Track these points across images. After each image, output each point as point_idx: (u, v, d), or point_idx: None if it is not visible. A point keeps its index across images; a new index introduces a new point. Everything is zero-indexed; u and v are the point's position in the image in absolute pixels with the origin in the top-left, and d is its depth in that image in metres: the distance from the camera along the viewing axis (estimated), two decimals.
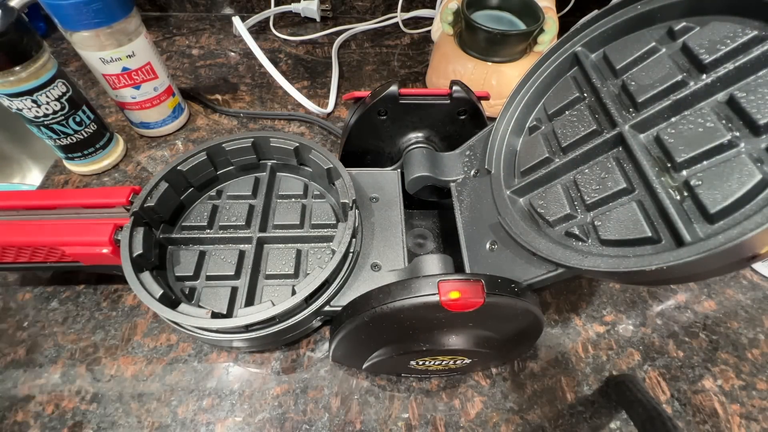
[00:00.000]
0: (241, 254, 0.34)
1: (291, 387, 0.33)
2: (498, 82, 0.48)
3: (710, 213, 0.18)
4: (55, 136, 0.41)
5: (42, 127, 0.40)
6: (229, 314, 0.31)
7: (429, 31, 0.65)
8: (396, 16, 0.66)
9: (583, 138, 0.25)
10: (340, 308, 0.28)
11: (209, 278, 0.33)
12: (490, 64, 0.48)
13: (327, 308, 0.30)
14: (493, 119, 0.32)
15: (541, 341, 0.35)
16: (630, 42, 0.25)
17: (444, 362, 0.28)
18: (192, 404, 0.31)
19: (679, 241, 0.19)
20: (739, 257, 0.17)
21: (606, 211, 0.23)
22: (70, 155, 0.43)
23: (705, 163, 0.20)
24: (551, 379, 0.33)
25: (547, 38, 0.47)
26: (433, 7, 0.68)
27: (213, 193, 0.38)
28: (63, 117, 0.40)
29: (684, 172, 0.20)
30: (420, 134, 0.38)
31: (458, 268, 0.30)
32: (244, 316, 0.27)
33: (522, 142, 0.30)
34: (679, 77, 0.22)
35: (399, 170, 0.38)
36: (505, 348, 0.28)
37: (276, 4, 0.67)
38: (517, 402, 0.32)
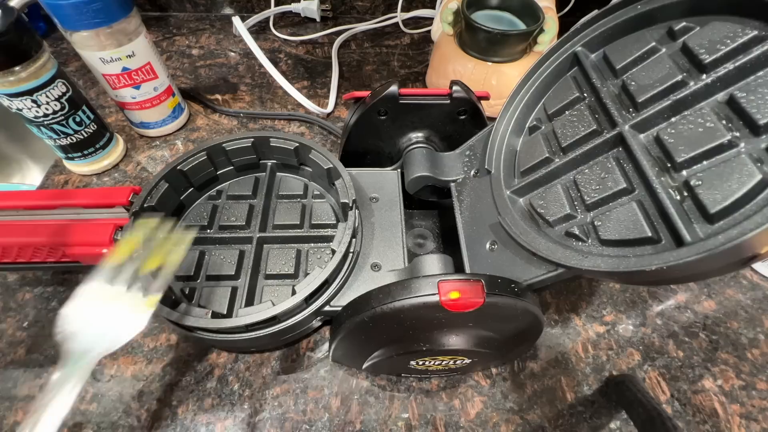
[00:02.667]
0: (241, 254, 0.34)
1: (291, 387, 0.33)
2: (498, 82, 0.48)
3: (710, 213, 0.18)
4: (55, 136, 0.41)
5: (42, 127, 0.40)
6: (229, 314, 0.31)
7: (429, 31, 0.65)
8: (396, 16, 0.66)
9: (583, 138, 0.25)
10: (340, 308, 0.28)
11: (209, 278, 0.33)
12: (490, 64, 0.48)
13: (327, 308, 0.30)
14: (493, 119, 0.32)
15: (541, 341, 0.35)
16: (630, 42, 0.25)
17: (444, 362, 0.28)
18: (192, 404, 0.31)
19: (679, 241, 0.19)
20: (739, 257, 0.17)
21: (606, 211, 0.23)
22: (70, 155, 0.43)
23: (705, 163, 0.20)
24: (551, 379, 0.33)
25: (547, 38, 0.47)
26: (433, 7, 0.68)
27: (213, 193, 0.38)
28: (63, 117, 0.40)
29: (684, 172, 0.20)
30: (420, 134, 0.38)
31: (458, 268, 0.30)
32: (244, 316, 0.27)
33: (522, 142, 0.30)
34: (679, 77, 0.22)
35: (399, 170, 0.38)
36: (505, 348, 0.28)
37: (276, 4, 0.67)
38: (517, 402, 0.32)
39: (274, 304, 0.27)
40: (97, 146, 0.44)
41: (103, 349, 0.18)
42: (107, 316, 0.17)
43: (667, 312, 0.37)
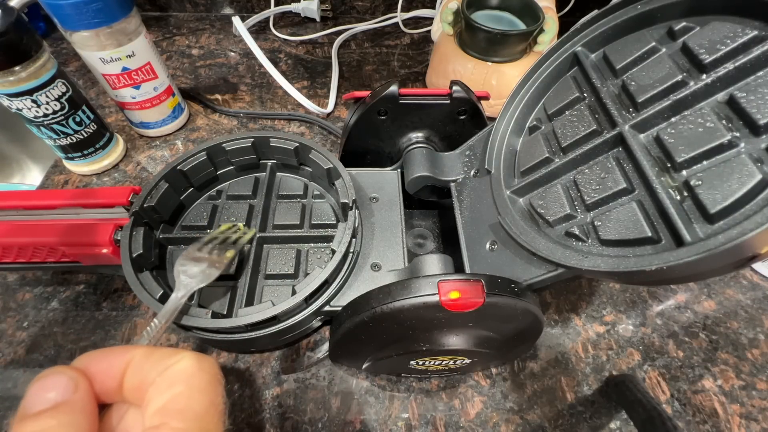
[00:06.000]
0: (241, 254, 0.34)
1: (291, 387, 0.33)
2: (498, 82, 0.48)
3: (710, 213, 0.18)
4: (55, 136, 0.41)
5: (42, 127, 0.40)
6: (229, 314, 0.31)
7: (429, 31, 0.65)
8: (396, 16, 0.66)
9: (583, 138, 0.25)
10: (340, 308, 0.28)
11: None
12: (490, 64, 0.48)
13: (327, 308, 0.30)
14: (493, 119, 0.32)
15: (541, 341, 0.35)
16: (630, 42, 0.25)
17: (444, 362, 0.28)
18: None
19: (679, 241, 0.19)
20: (739, 257, 0.17)
21: (606, 211, 0.23)
22: (70, 155, 0.43)
23: (705, 163, 0.20)
24: (551, 379, 0.33)
25: (547, 38, 0.47)
26: (433, 7, 0.68)
27: (213, 193, 0.38)
28: (63, 117, 0.40)
29: (684, 172, 0.20)
30: (420, 134, 0.38)
31: (458, 268, 0.30)
32: (244, 316, 0.27)
33: (522, 142, 0.30)
34: (679, 77, 0.22)
35: (399, 170, 0.38)
36: (505, 348, 0.28)
37: (276, 4, 0.67)
38: (517, 402, 0.32)
39: (274, 304, 0.27)
40: (97, 146, 0.44)
41: (200, 281, 0.28)
42: (202, 263, 0.29)
43: (667, 312, 0.37)
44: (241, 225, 0.34)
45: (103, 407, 0.17)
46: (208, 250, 0.30)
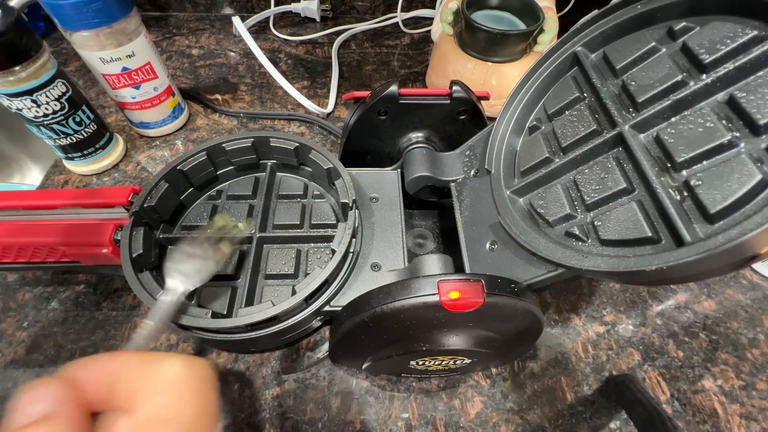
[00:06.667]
0: (242, 254, 0.34)
1: (291, 387, 0.33)
2: (498, 82, 0.48)
3: (710, 213, 0.18)
4: (54, 136, 0.41)
5: (42, 127, 0.40)
6: (229, 314, 0.31)
7: (429, 31, 0.65)
8: (396, 16, 0.66)
9: (583, 138, 0.25)
10: (340, 308, 0.28)
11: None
12: (490, 64, 0.48)
13: (327, 308, 0.30)
14: (493, 119, 0.32)
15: (541, 341, 0.35)
16: (630, 42, 0.25)
17: (444, 362, 0.28)
18: None
19: (679, 241, 0.19)
20: (739, 257, 0.17)
21: (606, 211, 0.23)
22: (70, 155, 0.43)
23: (705, 163, 0.20)
24: (551, 379, 0.33)
25: (547, 38, 0.47)
26: (433, 7, 0.68)
27: (213, 193, 0.38)
28: (63, 117, 0.40)
29: (684, 172, 0.20)
30: (420, 134, 0.38)
31: (458, 268, 0.30)
32: (244, 316, 0.27)
33: (522, 142, 0.30)
34: (679, 77, 0.22)
35: (399, 170, 0.38)
36: (505, 348, 0.28)
37: (276, 4, 0.67)
38: (517, 402, 0.32)
39: (274, 304, 0.27)
40: (97, 146, 0.44)
41: (199, 280, 0.27)
42: (199, 260, 0.27)
43: (667, 312, 0.37)
44: (233, 219, 0.33)
45: (96, 416, 0.16)
46: (202, 249, 0.29)
